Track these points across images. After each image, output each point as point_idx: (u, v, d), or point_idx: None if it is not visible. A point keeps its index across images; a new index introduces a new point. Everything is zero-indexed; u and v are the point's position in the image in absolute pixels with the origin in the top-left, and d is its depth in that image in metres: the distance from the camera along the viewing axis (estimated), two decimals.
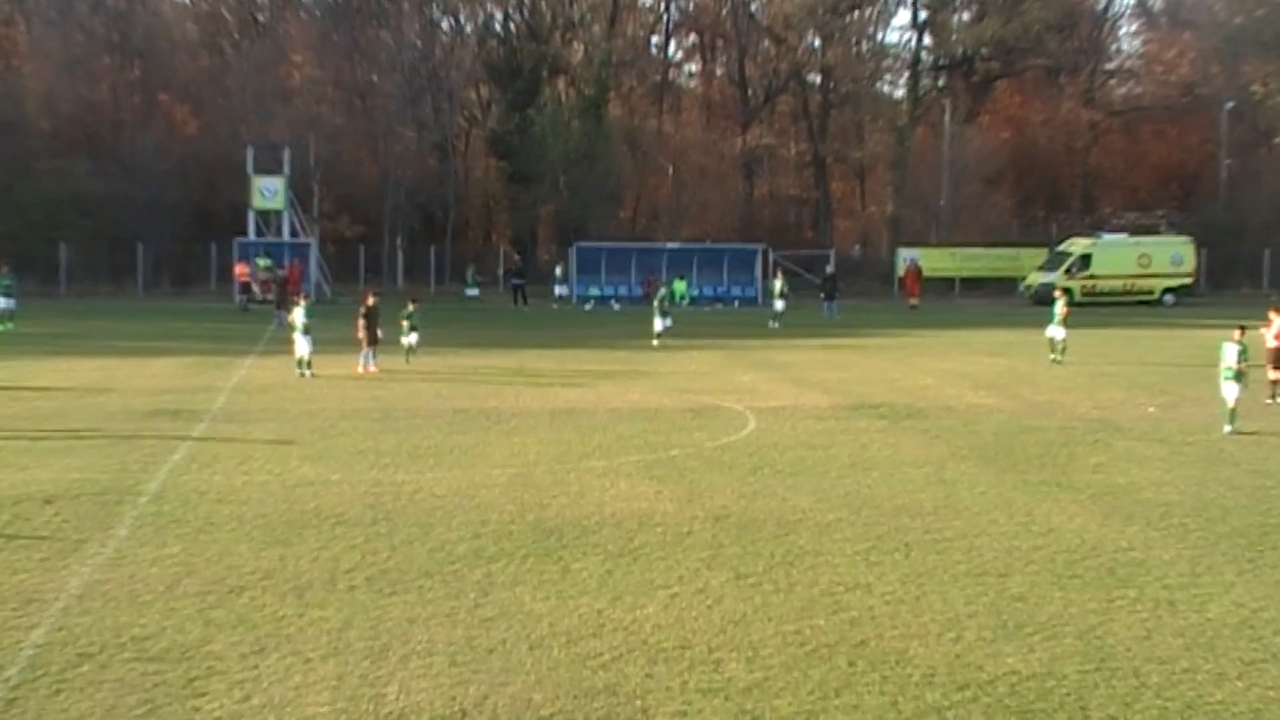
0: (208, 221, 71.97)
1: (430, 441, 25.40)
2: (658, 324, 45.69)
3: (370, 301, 38.14)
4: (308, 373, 35.71)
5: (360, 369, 36.59)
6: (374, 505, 19.51)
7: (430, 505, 19.57)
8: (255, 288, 63.36)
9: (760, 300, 71.28)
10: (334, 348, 38.19)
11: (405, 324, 38.87)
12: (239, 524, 18.27)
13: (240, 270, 65.51)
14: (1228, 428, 27.07)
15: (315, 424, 27.55)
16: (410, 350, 38.60)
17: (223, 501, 19.66)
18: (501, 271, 75.45)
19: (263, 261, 64.52)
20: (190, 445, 24.71)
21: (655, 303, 47.00)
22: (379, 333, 37.42)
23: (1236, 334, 27.84)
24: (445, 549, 17.00)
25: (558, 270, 71.60)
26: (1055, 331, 40.67)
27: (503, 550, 16.94)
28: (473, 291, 71.11)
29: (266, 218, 70.79)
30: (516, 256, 75.00)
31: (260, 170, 69.72)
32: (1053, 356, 40.05)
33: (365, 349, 37.11)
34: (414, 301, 40.31)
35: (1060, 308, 41.20)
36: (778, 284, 57.87)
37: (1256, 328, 30.78)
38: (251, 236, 69.18)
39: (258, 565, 16.14)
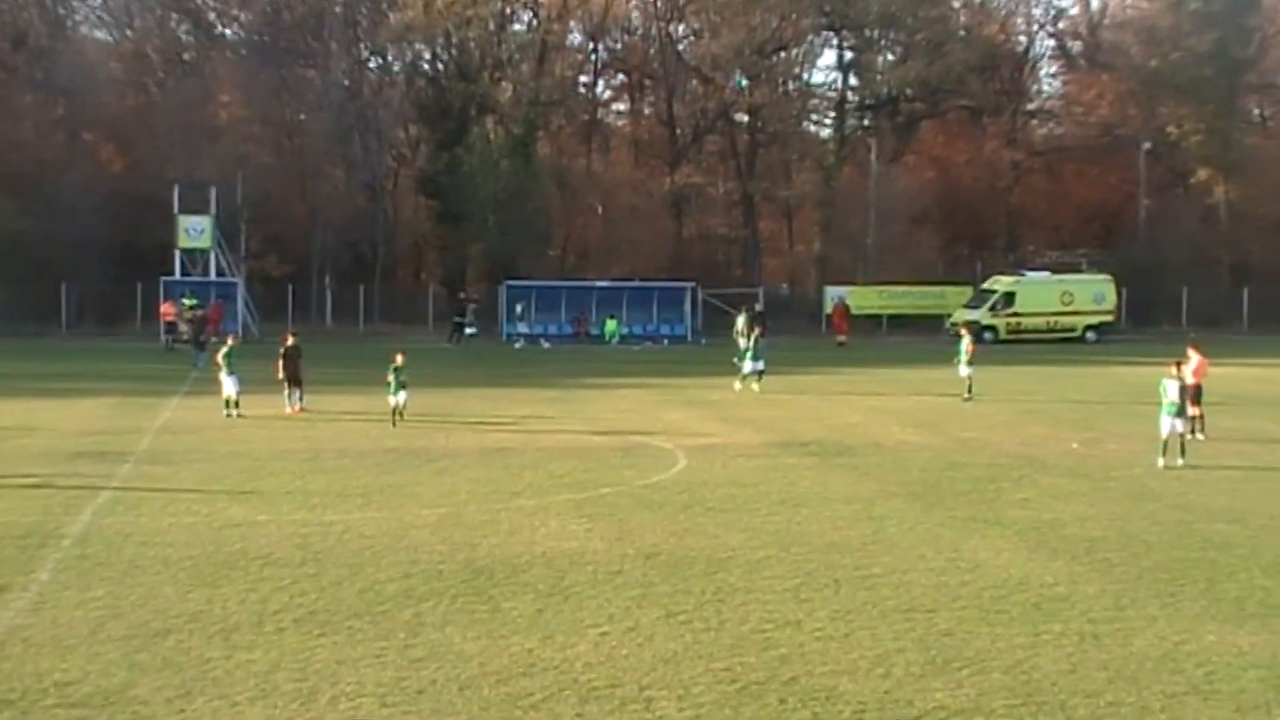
0: (134, 261, 71.22)
1: (359, 481, 25.29)
2: (747, 366, 43.16)
3: (290, 342, 37.95)
4: (235, 413, 35.47)
5: (288, 409, 36.37)
6: (302, 546, 19.40)
7: (359, 545, 19.48)
8: (182, 327, 62.81)
9: (689, 338, 71.45)
10: (262, 388, 37.91)
11: (392, 381, 34.29)
12: (165, 566, 18.12)
13: (166, 310, 64.91)
14: (1161, 461, 27.42)
15: (243, 465, 27.37)
16: (398, 411, 33.98)
17: (148, 544, 19.48)
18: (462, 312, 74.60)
19: (188, 301, 63.96)
20: (115, 487, 24.47)
21: (748, 341, 44.23)
22: (301, 374, 37.18)
23: (1174, 370, 28.28)
24: (374, 589, 16.93)
25: (518, 308, 71.53)
26: (963, 369, 41.04)
27: (433, 590, 16.89)
28: (472, 330, 70.56)
29: (193, 257, 70.22)
30: (461, 295, 74.53)
31: (187, 209, 69.18)
32: (965, 396, 40.31)
33: (288, 389, 36.88)
34: (401, 353, 35.40)
35: (967, 345, 41.62)
36: (740, 321, 56.27)
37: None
38: (178, 276, 68.61)
39: (184, 608, 16.01)
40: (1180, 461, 27.49)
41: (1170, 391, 27.96)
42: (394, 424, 33.32)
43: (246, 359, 38.74)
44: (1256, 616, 15.95)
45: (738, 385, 41.77)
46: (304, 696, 12.88)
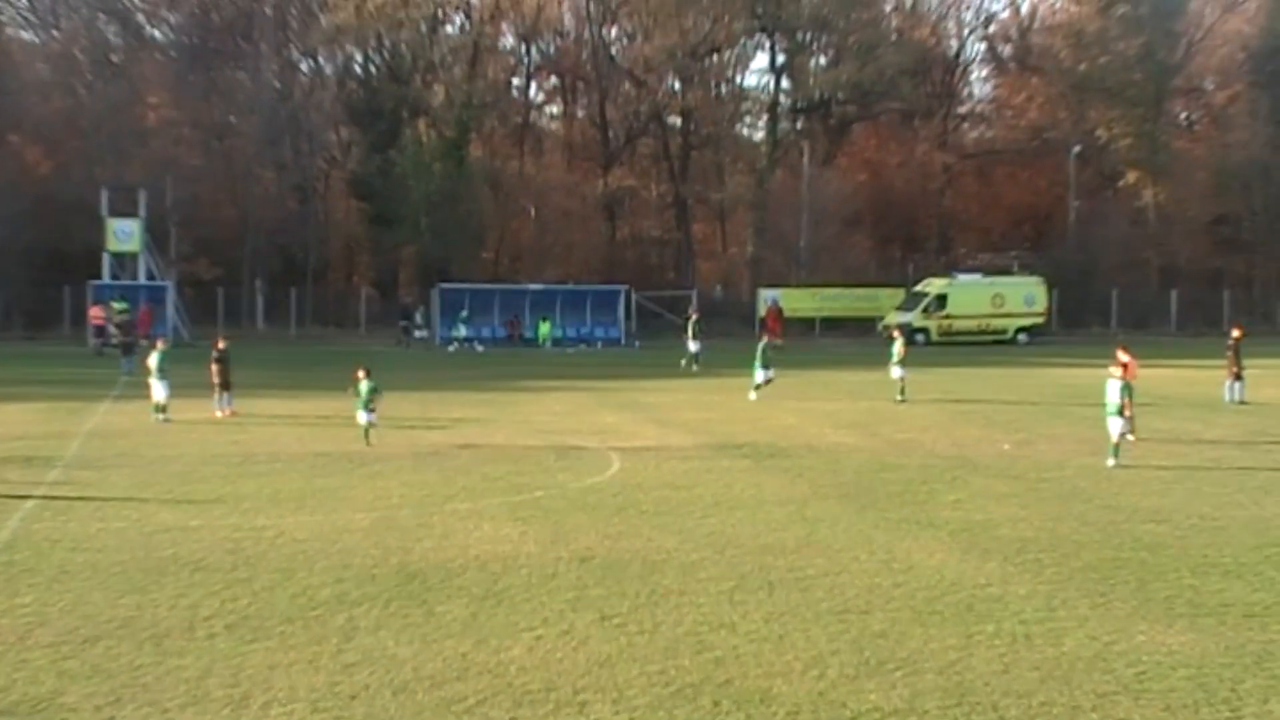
0: (62, 264, 70.52)
1: (292, 485, 25.11)
2: (760, 375, 41.95)
3: (221, 346, 37.69)
4: (160, 416, 35.17)
5: (217, 413, 36.08)
6: (234, 551, 19.23)
7: (292, 550, 19.34)
8: (111, 331, 62.21)
9: (623, 341, 71.50)
10: (192, 392, 37.59)
11: (357, 398, 31.42)
12: (94, 572, 17.91)
13: (95, 313, 64.33)
14: (1111, 461, 27.68)
15: (173, 469, 27.12)
16: (368, 430, 31.01)
17: (77, 549, 19.26)
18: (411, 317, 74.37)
19: (118, 305, 63.40)
20: (43, 493, 24.18)
21: (759, 351, 42.56)
22: (230, 377, 36.94)
23: (1118, 371, 28.55)
24: (307, 594, 16.81)
25: (463, 312, 71.50)
26: (895, 371, 41.29)
27: (366, 594, 16.79)
28: (422, 334, 70.31)
29: (122, 260, 69.64)
30: (408, 299, 74.16)
31: (116, 212, 68.62)
32: (898, 398, 40.55)
33: (219, 393, 36.63)
34: (366, 372, 31.60)
35: (898, 348, 41.91)
36: (690, 323, 56.41)
37: (1106, 365, 31.50)
38: (107, 279, 67.99)
39: (114, 614, 15.83)
40: (1110, 462, 27.76)
41: (1111, 392, 28.28)
42: (367, 442, 30.39)
43: (177, 363, 38.41)
44: (1185, 616, 16.11)
45: (752, 395, 41.11)
46: (235, 703, 12.76)
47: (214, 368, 36.82)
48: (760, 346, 42.85)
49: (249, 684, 13.29)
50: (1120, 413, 28.09)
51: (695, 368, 52.66)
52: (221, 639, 14.84)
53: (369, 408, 31.03)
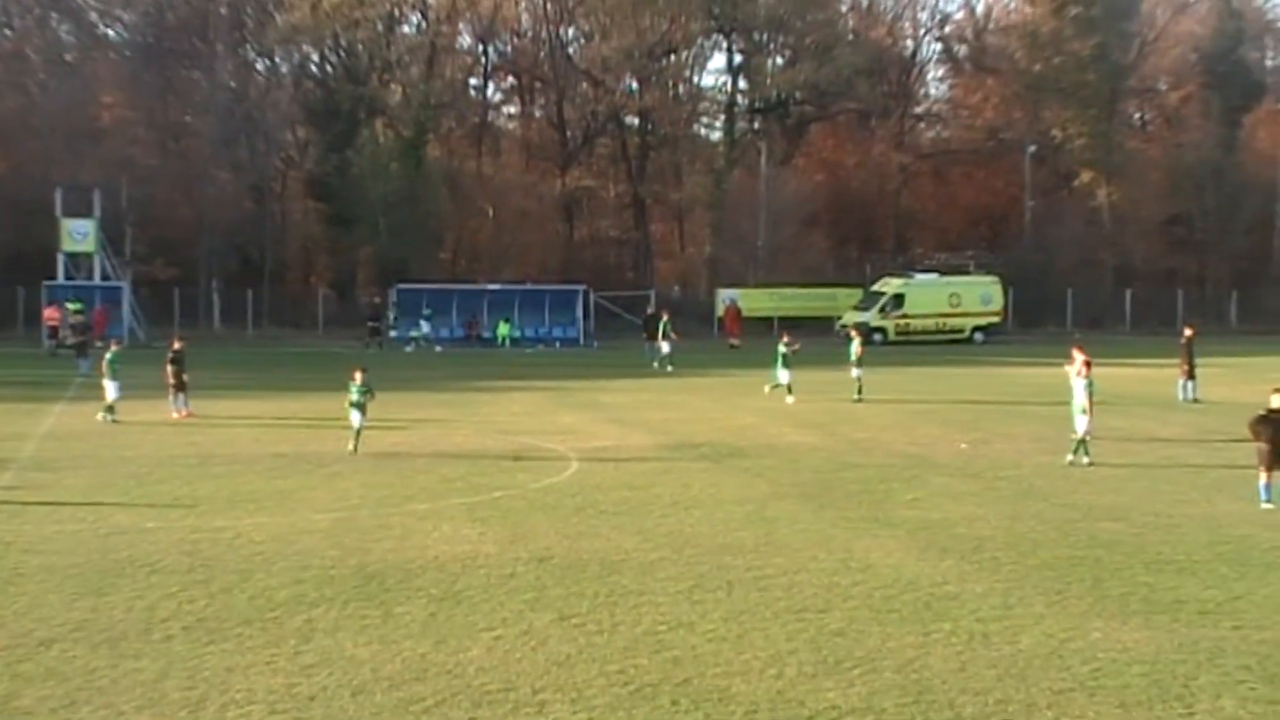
0: (16, 264, 69.89)
1: (249, 487, 25.02)
2: (784, 376, 41.54)
3: (177, 346, 37.54)
4: (111, 418, 34.95)
5: (174, 414, 35.91)
6: (191, 553, 19.16)
7: (249, 551, 19.28)
8: (65, 332, 61.75)
9: (581, 341, 71.45)
10: (149, 393, 37.38)
11: (350, 401, 29.98)
12: (49, 574, 17.80)
13: (50, 314, 63.83)
14: (1084, 459, 27.97)
15: (130, 471, 26.98)
16: (359, 433, 29.67)
17: (32, 551, 19.14)
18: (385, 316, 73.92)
19: (73, 305, 62.92)
20: None
21: (781, 353, 41.98)
22: (185, 377, 36.77)
23: (1084, 370, 28.81)
24: (265, 596, 16.76)
25: (426, 311, 71.33)
26: (854, 371, 41.41)
27: (324, 596, 16.75)
28: (395, 334, 69.95)
29: (77, 261, 69.08)
30: (377, 300, 73.74)
31: (70, 212, 68.05)
32: (855, 397, 40.67)
33: (174, 394, 36.45)
34: (362, 371, 30.52)
35: (856, 347, 42.07)
36: (661, 323, 55.93)
37: (1061, 364, 31.79)
38: (61, 279, 67.47)
39: (69, 616, 15.75)
40: (1069, 459, 27.97)
41: (1075, 391, 28.61)
42: (354, 450, 29.14)
43: (133, 364, 38.18)
44: (1140, 613, 16.24)
45: (790, 399, 40.76)
46: (192, 705, 12.72)
47: (169, 369, 36.65)
48: (850, 350, 42.62)
49: (206, 686, 13.25)
50: (1083, 411, 28.35)
51: (670, 368, 52.47)
52: (178, 641, 14.79)
53: (361, 409, 29.65)
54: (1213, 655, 14.52)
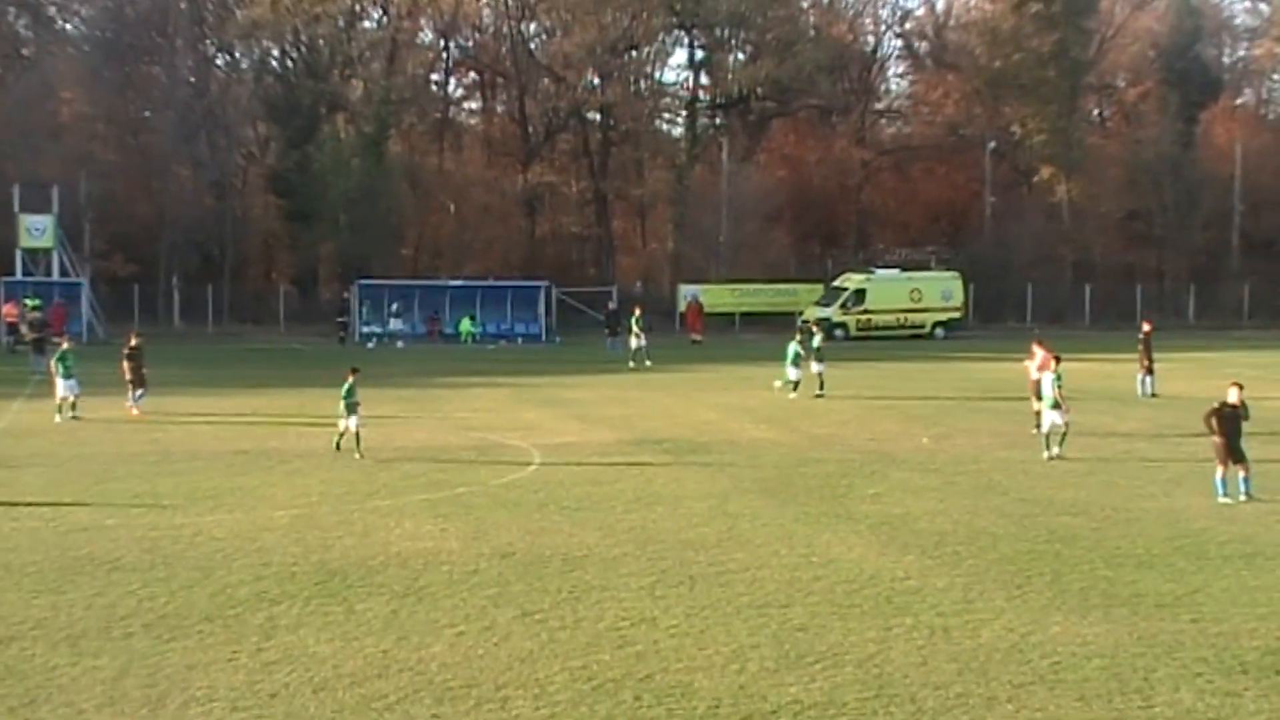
0: None
1: (210, 483, 24.93)
2: (815, 367, 41.28)
3: (134, 342, 37.38)
4: (67, 415, 34.72)
5: (133, 410, 35.71)
6: (151, 550, 19.08)
7: (210, 548, 19.21)
8: (23, 328, 61.32)
9: (543, 337, 71.40)
10: (106, 390, 37.15)
11: (343, 403, 28.97)
12: (7, 572, 17.71)
13: (8, 311, 63.38)
14: (1055, 449, 28.28)
15: (89, 468, 26.84)
16: (357, 436, 28.50)
17: None
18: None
19: (31, 302, 62.49)
20: None
21: (799, 348, 41.56)
22: (144, 372, 36.59)
23: (1053, 364, 29.04)
24: (226, 592, 16.71)
25: (394, 306, 71.05)
26: (815, 366, 41.46)
27: (286, 592, 16.71)
28: (372, 328, 69.85)
29: (35, 257, 68.61)
30: (345, 295, 73.41)
31: (28, 208, 67.56)
32: (817, 392, 40.75)
33: (131, 390, 36.27)
34: (354, 371, 29.81)
35: (818, 343, 42.19)
36: (633, 318, 55.24)
37: (1021, 359, 31.98)
38: (19, 276, 67.01)
39: (28, 614, 15.66)
40: (1055, 450, 28.18)
41: (1046, 386, 28.83)
42: (358, 453, 27.99)
43: (93, 361, 37.95)
44: (1099, 607, 16.35)
45: (792, 395, 40.66)
46: (153, 703, 12.67)
47: (125, 364, 36.49)
48: (812, 346, 42.37)
49: (167, 683, 13.20)
50: (1055, 405, 28.60)
51: (648, 363, 52.02)
52: (139, 638, 14.73)
53: (353, 409, 28.52)
54: (1171, 648, 14.63)
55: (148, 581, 17.23)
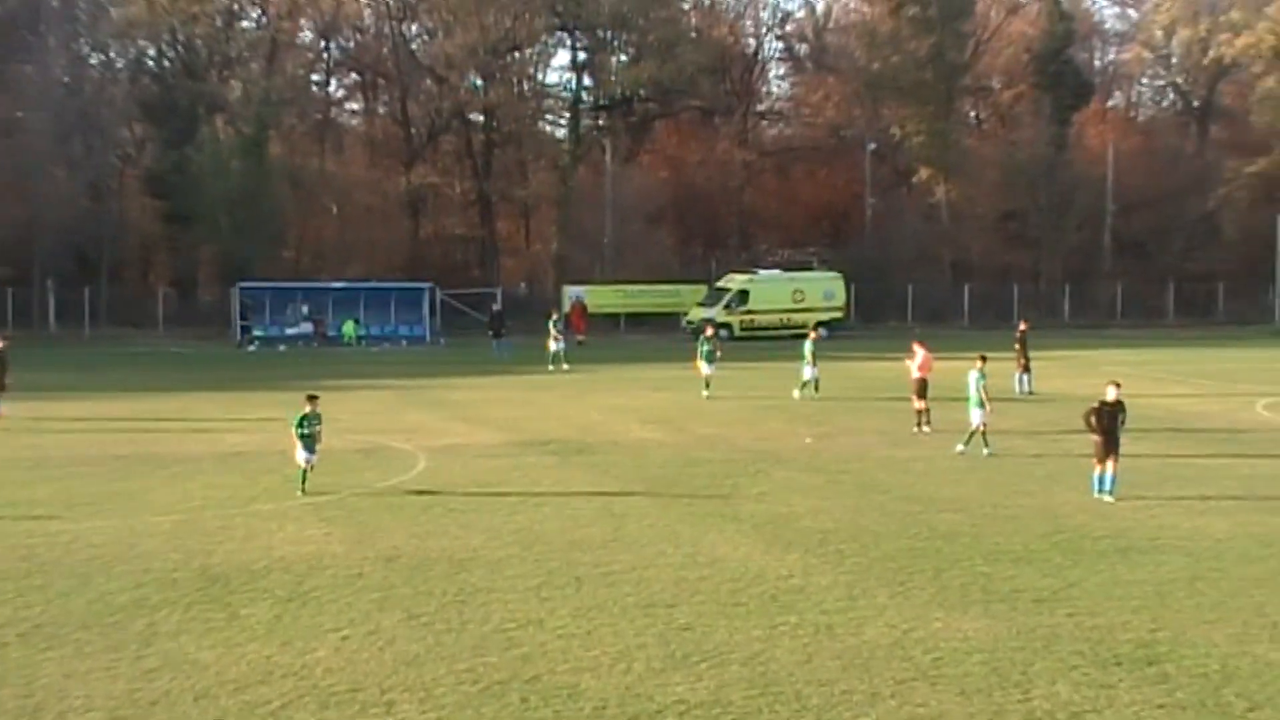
0: None
1: (89, 489, 24.53)
2: (807, 372, 41.50)
3: (0, 346, 36.77)
4: None
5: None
6: (27, 557, 18.74)
7: (88, 555, 18.91)
8: None
9: (428, 339, 71.03)
10: None
11: (296, 432, 24.85)
12: None
13: None
14: (985, 449, 28.89)
15: None
16: (305, 473, 24.62)
17: None
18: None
19: None
20: None
21: (809, 350, 41.84)
22: (7, 380, 35.97)
23: (979, 363, 29.51)
24: (104, 600, 16.46)
25: (305, 309, 70.20)
26: (705, 368, 41.65)
27: (166, 599, 16.50)
28: (273, 330, 68.92)
29: None
30: (248, 300, 72.42)
31: None
32: (705, 393, 40.97)
33: None
34: (313, 399, 25.58)
35: (710, 346, 42.43)
36: (550, 322, 54.75)
37: (902, 359, 32.34)
38: None
39: None
40: (985, 451, 28.58)
41: (972, 384, 29.27)
42: (302, 489, 24.31)
43: None
44: (979, 603, 16.61)
45: (803, 394, 40.53)
46: (28, 713, 12.47)
47: None
48: (807, 346, 42.34)
49: (43, 693, 12.99)
50: (980, 404, 29.06)
51: (566, 366, 51.41)
52: (14, 648, 14.48)
53: (309, 443, 24.74)
54: (1048, 642, 14.90)
55: (23, 590, 16.93)
